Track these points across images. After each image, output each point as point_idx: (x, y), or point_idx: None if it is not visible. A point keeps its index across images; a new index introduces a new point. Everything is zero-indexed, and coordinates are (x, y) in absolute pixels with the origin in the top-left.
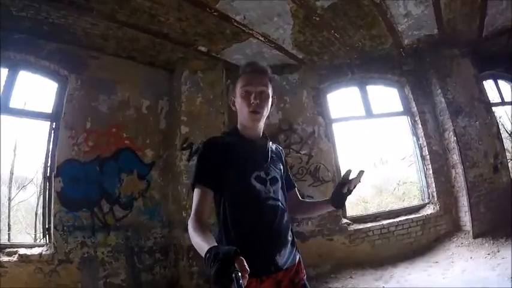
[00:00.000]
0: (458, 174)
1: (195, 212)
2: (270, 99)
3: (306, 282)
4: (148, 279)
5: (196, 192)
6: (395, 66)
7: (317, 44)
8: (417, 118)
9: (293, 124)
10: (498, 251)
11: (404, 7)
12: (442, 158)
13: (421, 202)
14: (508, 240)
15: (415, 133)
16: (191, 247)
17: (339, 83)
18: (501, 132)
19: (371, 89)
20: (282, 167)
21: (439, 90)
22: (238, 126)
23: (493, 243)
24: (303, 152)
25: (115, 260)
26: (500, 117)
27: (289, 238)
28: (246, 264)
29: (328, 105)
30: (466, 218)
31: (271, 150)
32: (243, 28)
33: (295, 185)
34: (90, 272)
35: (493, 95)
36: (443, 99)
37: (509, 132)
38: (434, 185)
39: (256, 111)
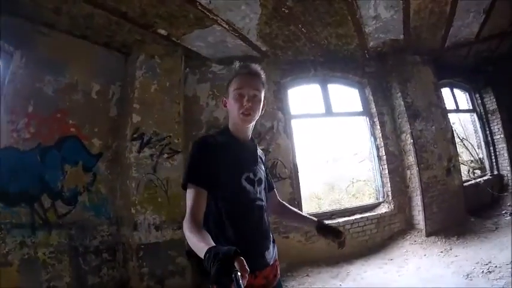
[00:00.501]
0: (413, 175)
1: (191, 212)
2: (262, 103)
3: None
4: (95, 282)
5: (190, 192)
6: (358, 67)
7: (282, 37)
8: (376, 119)
9: None
10: (451, 249)
11: (375, 9)
12: (398, 159)
13: (376, 201)
14: (460, 239)
15: (373, 133)
16: (140, 246)
17: (301, 79)
18: (455, 137)
19: (332, 87)
20: (264, 168)
21: (399, 94)
22: (230, 126)
23: (446, 242)
24: (260, 147)
25: (58, 261)
26: (453, 124)
27: (271, 235)
28: (246, 264)
29: (288, 101)
30: (419, 217)
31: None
32: (208, 13)
33: (274, 186)
34: (31, 275)
35: (448, 103)
36: (402, 103)
37: (461, 138)
38: (389, 185)
39: (248, 114)
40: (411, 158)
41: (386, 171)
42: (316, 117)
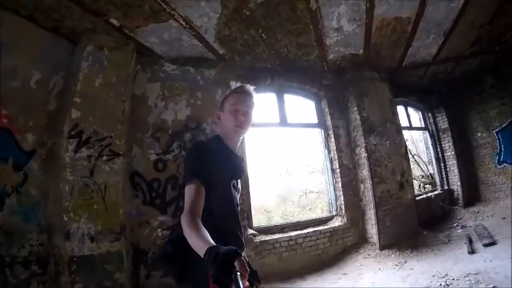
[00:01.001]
0: (366, 188)
1: (191, 208)
2: (252, 119)
3: None
4: None
5: (191, 188)
6: (316, 79)
7: (241, 41)
8: (331, 132)
9: (202, 123)
10: (405, 262)
11: (338, 21)
12: (351, 173)
13: (329, 214)
14: (414, 252)
15: (327, 146)
16: (73, 258)
17: (257, 86)
18: (408, 153)
19: (289, 97)
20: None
21: (355, 108)
22: (222, 136)
23: (399, 255)
24: None
25: None
26: (407, 140)
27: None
28: (246, 264)
29: None
30: (372, 231)
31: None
32: (165, 6)
33: None
34: None
35: (402, 120)
36: (358, 117)
37: (413, 155)
38: (342, 198)
39: (241, 127)
40: (365, 172)
41: (340, 185)
42: (271, 127)
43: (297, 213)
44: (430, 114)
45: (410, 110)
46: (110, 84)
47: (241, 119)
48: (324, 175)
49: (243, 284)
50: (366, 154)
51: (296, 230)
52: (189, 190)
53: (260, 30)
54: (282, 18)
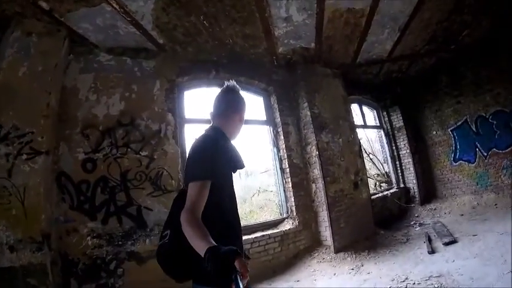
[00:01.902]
0: (318, 188)
1: (194, 205)
2: None
3: None
4: None
5: (199, 186)
6: (265, 73)
7: (182, 30)
8: (280, 129)
9: (136, 119)
10: (362, 265)
11: (286, 10)
12: (302, 172)
13: (280, 216)
14: (371, 254)
15: (276, 144)
16: None
17: (201, 80)
18: (362, 151)
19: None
20: None
21: (306, 104)
22: (226, 132)
23: (356, 258)
24: (143, 154)
25: None
26: (361, 139)
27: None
28: (246, 264)
29: (183, 103)
30: (326, 233)
31: None
32: None
33: None
34: None
35: (357, 119)
36: (309, 113)
37: (368, 153)
38: (293, 199)
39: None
40: (316, 171)
41: (290, 185)
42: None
43: (255, 215)
44: (385, 113)
45: (365, 108)
46: (34, 74)
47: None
48: (274, 175)
49: (243, 284)
50: (317, 152)
51: (244, 234)
52: (196, 188)
53: (202, 17)
54: (225, 4)
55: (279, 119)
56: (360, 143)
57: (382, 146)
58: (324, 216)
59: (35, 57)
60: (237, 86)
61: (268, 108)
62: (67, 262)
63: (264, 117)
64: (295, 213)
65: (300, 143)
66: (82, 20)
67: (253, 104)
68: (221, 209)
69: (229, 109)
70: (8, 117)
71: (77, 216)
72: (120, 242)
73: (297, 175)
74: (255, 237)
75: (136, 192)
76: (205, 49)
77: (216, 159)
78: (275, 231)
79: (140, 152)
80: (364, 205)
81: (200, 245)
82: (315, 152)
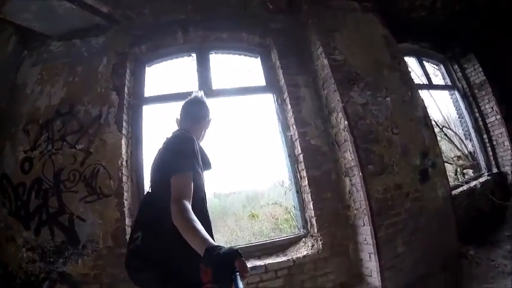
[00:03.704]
0: (355, 185)
1: (187, 196)
2: None
3: None
4: None
5: (187, 177)
6: (257, 23)
7: None
8: (286, 95)
9: (76, 105)
10: None
11: None
12: (327, 159)
13: (292, 234)
14: None
15: (281, 118)
16: None
17: (166, 48)
18: (429, 119)
19: (217, 59)
20: None
21: (320, 49)
22: (195, 136)
23: None
24: (79, 147)
25: None
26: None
27: None
28: (246, 265)
29: (142, 79)
30: (371, 264)
31: None
32: None
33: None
34: None
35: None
36: (326, 62)
37: (441, 127)
38: (312, 205)
39: None
40: (349, 155)
41: (306, 181)
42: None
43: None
44: (456, 66)
45: (427, 64)
46: None
47: None
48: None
49: (243, 285)
50: (347, 122)
51: None
52: (185, 179)
53: None
54: None
55: (283, 81)
56: (424, 105)
57: (460, 115)
58: (366, 233)
59: None
60: (204, 97)
61: (269, 69)
62: (7, 274)
63: (263, 82)
64: (316, 229)
65: (321, 112)
66: (19, 10)
67: (247, 68)
68: (192, 207)
69: (197, 116)
70: None
71: (14, 224)
72: (51, 259)
73: (318, 165)
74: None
75: (69, 196)
76: (167, 8)
77: (195, 155)
78: (279, 259)
79: (76, 145)
80: (441, 209)
81: (196, 241)
82: (343, 123)
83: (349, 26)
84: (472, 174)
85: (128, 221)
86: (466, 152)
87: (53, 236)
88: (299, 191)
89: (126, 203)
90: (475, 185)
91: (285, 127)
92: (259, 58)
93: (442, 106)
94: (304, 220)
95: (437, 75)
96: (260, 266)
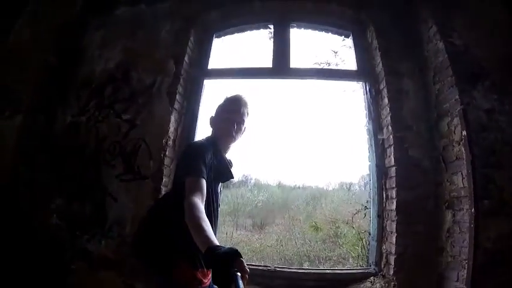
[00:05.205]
0: (459, 223)
1: (201, 194)
2: (243, 128)
3: None
4: None
5: (202, 183)
6: None
7: None
8: (383, 85)
9: (131, 70)
10: None
11: None
12: (427, 180)
13: (358, 268)
14: None
15: (372, 116)
16: None
17: (238, 18)
18: None
19: (298, 33)
20: None
21: (434, 29)
22: (215, 138)
23: None
24: (125, 117)
25: None
26: None
27: None
28: (246, 265)
29: (208, 50)
30: None
31: None
32: None
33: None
34: None
35: None
36: (442, 45)
37: None
38: (395, 239)
39: (232, 137)
40: (460, 180)
41: (394, 206)
42: (257, 77)
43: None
44: None
45: None
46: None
47: (232, 130)
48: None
49: (243, 285)
50: (465, 132)
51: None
52: (200, 184)
53: None
54: None
55: (381, 67)
56: None
57: None
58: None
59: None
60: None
61: (362, 50)
62: (34, 239)
63: (353, 67)
64: (392, 270)
65: (427, 114)
66: None
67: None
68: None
69: (212, 116)
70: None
71: (50, 189)
72: (77, 233)
73: (413, 185)
74: None
75: (106, 170)
76: None
77: (204, 161)
78: None
79: (122, 115)
80: None
81: (199, 240)
82: (458, 133)
83: (470, 4)
84: None
85: None
86: None
87: (83, 209)
88: (381, 216)
89: (163, 189)
90: None
91: (377, 127)
92: (350, 37)
93: None
94: (379, 254)
95: None
96: None
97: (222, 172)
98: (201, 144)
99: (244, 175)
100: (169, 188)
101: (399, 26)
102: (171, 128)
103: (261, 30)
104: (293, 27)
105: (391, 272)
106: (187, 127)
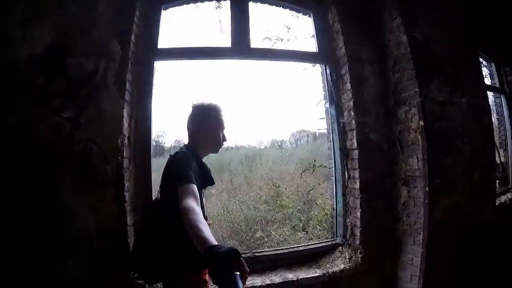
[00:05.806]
0: (414, 199)
1: (196, 201)
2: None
3: None
4: None
5: (196, 189)
6: None
7: None
8: (345, 70)
9: (67, 55)
10: None
11: None
12: (385, 160)
13: (326, 240)
14: None
15: (334, 100)
16: None
17: None
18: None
19: (257, 8)
20: None
21: (398, 21)
22: (195, 147)
23: None
24: (65, 115)
25: None
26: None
27: None
28: (245, 265)
29: (156, 26)
30: (411, 285)
31: None
32: None
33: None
34: None
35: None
36: (405, 39)
37: None
38: (359, 213)
39: (221, 146)
40: (415, 163)
41: (358, 185)
42: (215, 57)
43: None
44: (508, 69)
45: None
46: None
47: (221, 147)
48: (327, 160)
49: (243, 284)
50: (423, 122)
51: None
52: (193, 189)
53: None
54: None
55: (343, 51)
56: (490, 112)
57: (501, 121)
58: (413, 254)
59: None
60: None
61: (323, 32)
62: None
63: (313, 49)
64: (358, 240)
65: (385, 100)
66: None
67: (294, 28)
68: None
69: (197, 125)
70: None
71: None
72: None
73: (372, 166)
74: (271, 284)
75: (57, 181)
76: None
77: (192, 167)
78: (313, 273)
79: (61, 113)
80: (486, 231)
81: (197, 240)
82: (416, 122)
83: (432, 0)
84: (499, 187)
85: (129, 220)
86: (498, 161)
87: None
88: (345, 194)
89: (127, 196)
90: (505, 201)
91: (337, 111)
92: (311, 16)
93: None
94: (345, 227)
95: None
96: (292, 282)
97: (205, 179)
98: (185, 154)
99: (176, 140)
100: (158, 197)
101: (362, 12)
102: (125, 125)
103: (214, 1)
104: (251, 1)
105: (357, 242)
106: (141, 120)
